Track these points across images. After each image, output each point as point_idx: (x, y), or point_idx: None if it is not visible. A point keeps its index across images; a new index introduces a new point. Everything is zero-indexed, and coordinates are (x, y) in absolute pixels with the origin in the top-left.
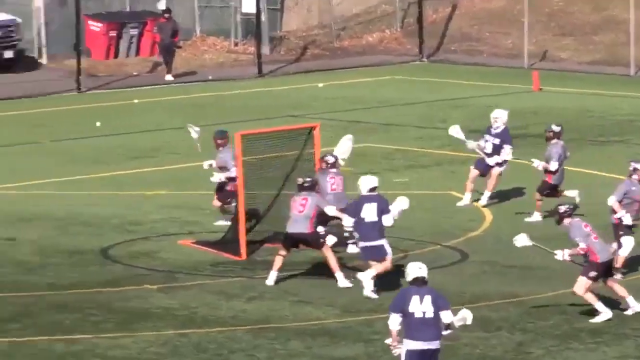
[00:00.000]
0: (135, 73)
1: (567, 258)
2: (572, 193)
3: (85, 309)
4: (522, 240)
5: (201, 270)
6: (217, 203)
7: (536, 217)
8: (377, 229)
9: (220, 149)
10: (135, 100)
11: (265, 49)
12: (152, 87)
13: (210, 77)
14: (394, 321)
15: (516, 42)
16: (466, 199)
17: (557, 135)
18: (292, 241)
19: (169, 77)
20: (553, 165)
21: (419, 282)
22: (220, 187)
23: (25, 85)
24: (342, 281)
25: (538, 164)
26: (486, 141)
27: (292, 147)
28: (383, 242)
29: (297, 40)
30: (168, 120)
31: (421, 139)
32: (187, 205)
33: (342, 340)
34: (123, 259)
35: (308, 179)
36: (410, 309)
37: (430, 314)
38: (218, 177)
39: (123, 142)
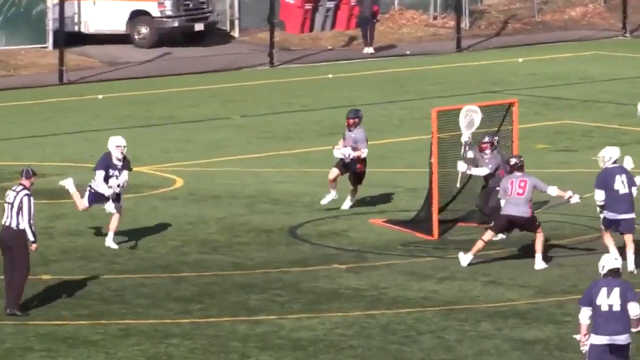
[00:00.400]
0: (329, 47)
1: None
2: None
3: (271, 289)
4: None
5: (391, 250)
6: (332, 175)
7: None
8: (628, 201)
9: (352, 128)
10: (330, 75)
11: (465, 23)
12: (347, 61)
13: (407, 52)
14: (584, 315)
15: None
16: None
17: None
18: (509, 224)
19: (368, 50)
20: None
21: (612, 273)
22: (346, 166)
23: (216, 59)
24: (540, 263)
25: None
26: None
27: (490, 124)
28: (633, 215)
29: (497, 14)
30: (363, 95)
31: (622, 116)
32: (380, 183)
33: (533, 322)
34: (312, 237)
35: (521, 159)
36: (598, 301)
37: (617, 307)
38: (341, 153)
39: (316, 118)
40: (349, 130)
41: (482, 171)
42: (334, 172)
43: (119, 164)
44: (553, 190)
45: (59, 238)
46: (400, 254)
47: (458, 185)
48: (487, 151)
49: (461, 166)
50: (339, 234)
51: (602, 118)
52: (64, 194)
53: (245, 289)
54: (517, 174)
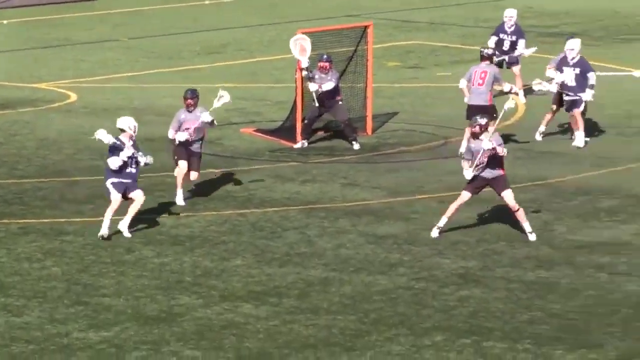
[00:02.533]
0: None
1: None
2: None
3: (155, 191)
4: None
5: (260, 156)
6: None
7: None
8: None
9: (192, 109)
10: (207, 2)
11: None
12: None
13: None
14: None
15: None
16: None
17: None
18: (473, 112)
19: None
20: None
21: None
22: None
23: None
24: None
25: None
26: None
27: (348, 44)
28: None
29: None
30: (237, 19)
31: (464, 36)
32: (250, 97)
33: (385, 219)
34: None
35: (489, 49)
36: None
37: None
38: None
39: (196, 40)
40: (189, 111)
41: (329, 85)
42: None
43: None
44: (506, 86)
45: None
46: (267, 160)
47: (316, 103)
48: (328, 70)
49: (312, 86)
50: (214, 142)
51: (447, 39)
52: None
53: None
54: (482, 64)
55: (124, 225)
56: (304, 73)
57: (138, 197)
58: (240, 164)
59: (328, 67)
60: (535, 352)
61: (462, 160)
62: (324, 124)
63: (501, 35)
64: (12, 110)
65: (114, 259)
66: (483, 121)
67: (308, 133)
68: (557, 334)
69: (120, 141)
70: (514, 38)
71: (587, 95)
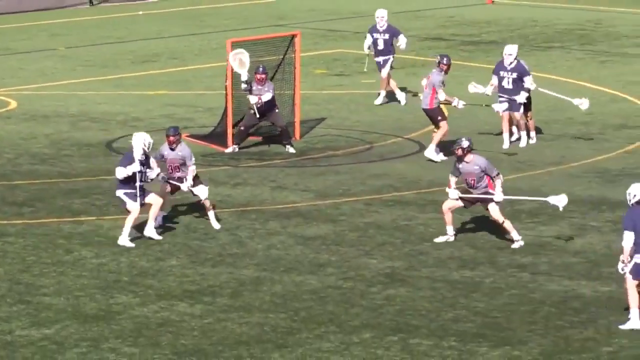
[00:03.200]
0: None
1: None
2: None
3: (92, 194)
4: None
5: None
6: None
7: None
8: None
9: (174, 146)
10: (140, 12)
11: None
12: (155, 0)
13: None
14: (628, 238)
15: None
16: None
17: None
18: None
19: None
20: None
21: None
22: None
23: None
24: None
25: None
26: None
27: (276, 53)
28: None
29: None
30: (168, 29)
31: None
32: (183, 103)
33: (313, 221)
34: (125, 150)
35: (445, 58)
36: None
37: None
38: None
39: (130, 49)
40: (171, 149)
41: (268, 96)
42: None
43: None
44: (442, 95)
45: None
46: (200, 164)
47: (257, 114)
48: (265, 81)
49: (252, 99)
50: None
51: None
52: None
53: (70, 195)
54: (434, 70)
55: (150, 230)
56: (243, 86)
57: (154, 200)
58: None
59: (264, 79)
60: (460, 349)
61: (450, 176)
62: (255, 129)
63: (374, 35)
64: None
65: (54, 259)
66: (465, 144)
67: (241, 139)
68: (481, 331)
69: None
70: (386, 36)
71: (521, 97)
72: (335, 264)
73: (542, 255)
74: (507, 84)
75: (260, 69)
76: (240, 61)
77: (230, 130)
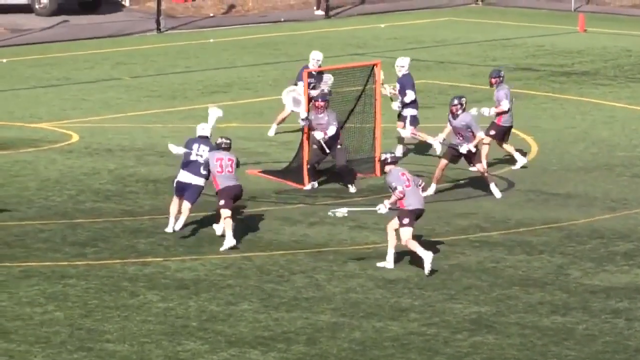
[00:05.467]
0: (211, 14)
1: (387, 207)
2: (522, 161)
3: (158, 234)
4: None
5: (266, 198)
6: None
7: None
8: None
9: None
10: (211, 40)
11: None
12: (227, 27)
13: (282, 19)
14: None
15: None
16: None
17: (501, 79)
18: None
19: (319, 12)
20: (505, 104)
21: None
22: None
23: (109, 26)
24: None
25: (487, 111)
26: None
27: (355, 83)
28: None
29: None
30: (241, 58)
31: (473, 76)
32: (256, 137)
33: (395, 263)
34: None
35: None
36: None
37: None
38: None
39: (199, 79)
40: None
41: (332, 130)
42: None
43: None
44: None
45: None
46: (274, 202)
47: (326, 149)
48: (323, 110)
49: (318, 135)
50: None
51: (455, 78)
52: None
53: (135, 234)
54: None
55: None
56: (303, 123)
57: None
58: (246, 206)
59: (323, 107)
60: None
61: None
62: (331, 165)
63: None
64: (12, 150)
65: (117, 303)
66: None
67: (314, 175)
68: None
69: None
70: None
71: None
72: (418, 308)
73: (638, 300)
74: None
75: (319, 97)
76: (294, 100)
77: (306, 166)
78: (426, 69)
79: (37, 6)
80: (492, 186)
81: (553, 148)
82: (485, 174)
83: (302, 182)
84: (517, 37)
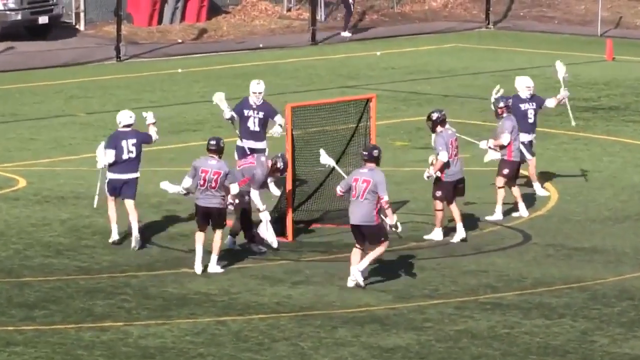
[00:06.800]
0: (179, 40)
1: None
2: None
3: (118, 294)
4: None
5: (244, 253)
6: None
7: (498, 213)
8: None
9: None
10: (180, 70)
11: (320, 15)
12: (198, 55)
13: (260, 45)
14: None
15: (590, 7)
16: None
17: (508, 109)
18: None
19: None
20: (505, 138)
21: None
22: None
23: (61, 53)
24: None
25: (484, 143)
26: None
27: (347, 120)
28: None
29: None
30: (214, 91)
31: (485, 111)
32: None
33: (392, 329)
34: (160, 240)
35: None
36: None
37: None
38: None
39: (166, 115)
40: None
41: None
42: None
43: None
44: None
45: None
46: (252, 257)
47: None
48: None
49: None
50: (188, 236)
51: (464, 114)
52: None
53: (91, 294)
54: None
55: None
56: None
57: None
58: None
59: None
60: None
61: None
62: (320, 215)
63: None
64: None
65: None
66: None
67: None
68: None
69: None
70: None
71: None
72: None
73: None
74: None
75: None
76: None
77: (290, 217)
78: (428, 103)
79: None
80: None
81: (576, 195)
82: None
83: (284, 235)
84: (534, 66)
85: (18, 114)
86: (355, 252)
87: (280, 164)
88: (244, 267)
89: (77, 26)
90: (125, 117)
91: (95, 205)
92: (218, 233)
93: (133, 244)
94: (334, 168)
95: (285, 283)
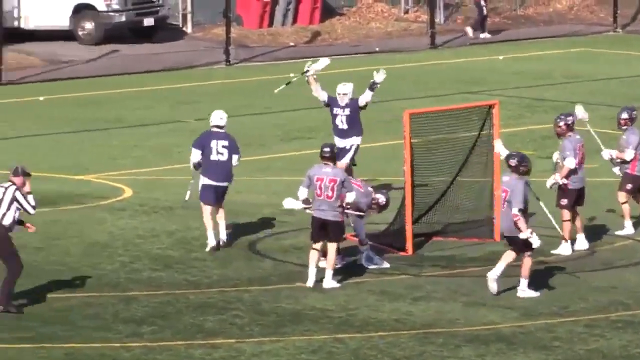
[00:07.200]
0: (291, 44)
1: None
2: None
3: (229, 309)
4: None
5: (362, 267)
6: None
7: (628, 227)
8: None
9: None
10: (292, 74)
11: (440, 17)
12: (310, 59)
13: (377, 49)
14: None
15: None
16: None
17: (632, 121)
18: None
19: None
20: (629, 154)
21: None
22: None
23: (168, 56)
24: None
25: (607, 154)
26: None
27: (468, 128)
28: None
29: (475, 7)
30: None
31: (614, 119)
32: None
33: (519, 348)
34: (274, 253)
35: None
36: None
37: None
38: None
39: (279, 122)
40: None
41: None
42: None
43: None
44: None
45: None
46: (371, 271)
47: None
48: None
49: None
50: (302, 248)
51: (593, 122)
52: None
53: (201, 310)
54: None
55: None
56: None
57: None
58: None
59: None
60: None
61: None
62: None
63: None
64: (52, 207)
65: None
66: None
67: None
68: None
69: None
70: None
71: None
72: None
73: None
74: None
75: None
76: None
77: (409, 229)
78: (554, 110)
79: (80, 33)
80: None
81: None
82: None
83: (404, 248)
84: None
85: (122, 119)
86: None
87: (382, 200)
88: (361, 281)
89: (184, 28)
90: (215, 118)
91: (187, 198)
92: (333, 246)
93: (222, 239)
94: (455, 178)
95: (405, 299)
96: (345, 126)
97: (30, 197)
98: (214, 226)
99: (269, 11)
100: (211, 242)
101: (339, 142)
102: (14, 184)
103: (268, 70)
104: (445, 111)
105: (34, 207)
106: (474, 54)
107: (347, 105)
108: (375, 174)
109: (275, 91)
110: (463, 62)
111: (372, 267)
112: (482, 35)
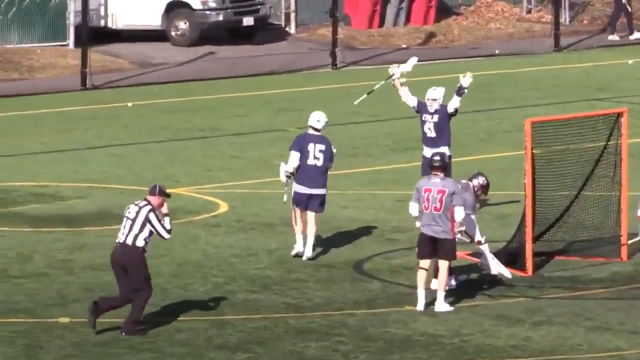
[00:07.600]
0: (404, 45)
1: None
2: None
3: (333, 335)
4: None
5: (477, 289)
6: None
7: None
8: None
9: None
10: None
11: (564, 18)
12: (424, 63)
13: (496, 52)
14: None
15: None
16: None
17: None
18: None
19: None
20: None
21: None
22: None
23: (269, 59)
24: None
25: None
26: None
27: (595, 138)
28: None
29: (603, 7)
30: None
31: None
32: None
33: None
34: (382, 274)
35: None
36: None
37: None
38: None
39: (389, 131)
40: None
41: None
42: None
43: None
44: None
45: (80, 273)
46: (487, 293)
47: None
48: None
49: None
50: (413, 269)
51: None
52: (86, 220)
53: (302, 335)
54: None
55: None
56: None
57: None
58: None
59: None
60: None
61: None
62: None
63: None
64: None
65: None
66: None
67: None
68: None
69: None
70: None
71: None
72: None
73: None
74: None
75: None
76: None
77: (530, 248)
78: None
79: (173, 33)
80: None
81: None
82: None
83: (524, 268)
84: None
85: (219, 128)
86: None
87: (482, 180)
88: (476, 304)
89: (287, 28)
90: (313, 119)
91: (285, 200)
92: (444, 265)
93: (305, 255)
94: (580, 192)
95: (524, 323)
96: (433, 134)
97: (166, 220)
98: (303, 229)
99: (379, 10)
100: (298, 247)
101: (427, 152)
102: (149, 203)
103: (377, 74)
104: (569, 119)
105: (168, 232)
106: (600, 57)
107: (436, 112)
108: (492, 188)
109: (355, 102)
110: (589, 67)
111: (493, 272)
112: (610, 37)
